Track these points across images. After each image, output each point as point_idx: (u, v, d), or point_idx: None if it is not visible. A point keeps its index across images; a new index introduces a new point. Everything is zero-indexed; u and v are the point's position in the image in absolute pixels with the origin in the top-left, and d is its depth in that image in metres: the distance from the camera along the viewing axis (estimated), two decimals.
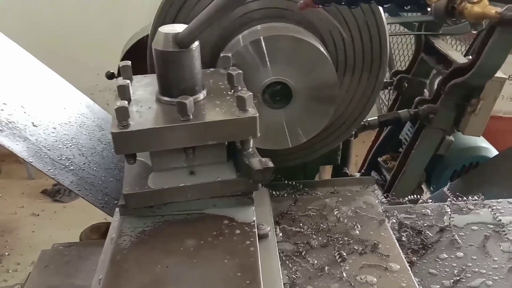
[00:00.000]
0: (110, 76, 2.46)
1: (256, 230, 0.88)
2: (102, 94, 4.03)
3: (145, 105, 0.90)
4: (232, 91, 0.94)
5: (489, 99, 1.75)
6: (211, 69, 1.05)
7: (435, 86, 2.00)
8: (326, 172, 2.18)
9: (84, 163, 1.40)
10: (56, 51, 4.04)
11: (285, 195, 1.28)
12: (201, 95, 0.92)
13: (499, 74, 1.70)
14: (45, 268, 1.25)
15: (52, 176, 1.29)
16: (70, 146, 1.41)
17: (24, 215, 3.92)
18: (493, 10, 0.80)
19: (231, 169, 0.93)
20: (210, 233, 0.86)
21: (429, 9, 0.89)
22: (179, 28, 0.87)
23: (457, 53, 1.89)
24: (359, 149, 2.32)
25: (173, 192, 0.89)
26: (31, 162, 1.26)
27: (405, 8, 0.89)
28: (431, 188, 2.04)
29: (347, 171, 1.89)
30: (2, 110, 1.30)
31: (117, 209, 1.17)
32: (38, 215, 3.92)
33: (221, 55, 1.02)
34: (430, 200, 1.32)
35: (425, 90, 2.18)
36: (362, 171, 2.28)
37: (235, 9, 0.81)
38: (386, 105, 2.88)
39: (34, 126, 1.35)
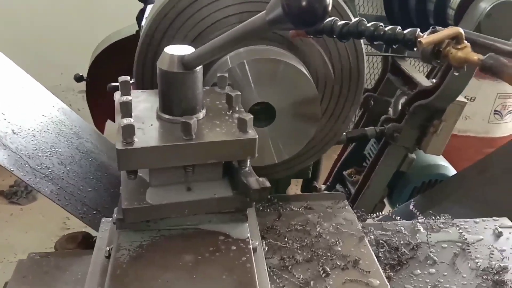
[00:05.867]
0: (79, 79, 2.42)
1: (251, 246, 0.91)
2: (65, 94, 3.91)
3: (147, 122, 0.92)
4: (231, 111, 0.97)
5: (450, 121, 1.87)
6: (207, 88, 1.08)
7: (399, 106, 2.10)
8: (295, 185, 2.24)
9: (63, 172, 1.39)
10: (19, 46, 3.85)
11: (260, 208, 1.32)
12: (201, 114, 0.94)
13: (460, 98, 1.82)
14: (23, 278, 1.23)
15: (33, 186, 1.27)
16: (49, 154, 1.40)
17: None
18: (475, 56, 0.89)
19: (227, 186, 0.96)
20: (207, 249, 0.88)
21: (415, 49, 0.96)
22: (184, 49, 0.90)
23: (421, 76, 2.00)
24: (324, 163, 2.39)
25: (171, 207, 0.91)
26: (13, 171, 1.24)
27: (394, 46, 0.96)
28: (392, 203, 2.13)
29: (317, 185, 1.96)
30: None
31: (103, 220, 1.19)
32: None
33: (218, 74, 1.05)
34: (398, 218, 1.39)
35: (390, 108, 2.28)
36: (328, 183, 2.36)
37: (253, 38, 0.84)
38: (352, 122, 2.98)
39: (14, 133, 1.33)
